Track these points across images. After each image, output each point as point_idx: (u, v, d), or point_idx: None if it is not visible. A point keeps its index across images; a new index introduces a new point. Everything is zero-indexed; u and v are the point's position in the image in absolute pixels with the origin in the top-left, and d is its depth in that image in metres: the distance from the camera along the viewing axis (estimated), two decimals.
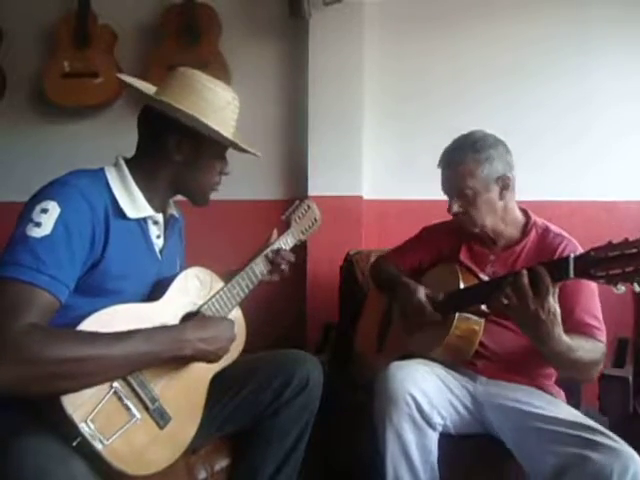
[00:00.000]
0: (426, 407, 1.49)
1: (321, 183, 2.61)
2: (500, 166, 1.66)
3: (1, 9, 2.81)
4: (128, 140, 2.99)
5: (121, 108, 2.80)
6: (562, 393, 1.71)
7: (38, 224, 1.17)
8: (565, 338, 1.41)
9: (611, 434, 1.39)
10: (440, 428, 1.53)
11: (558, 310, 1.38)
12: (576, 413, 1.55)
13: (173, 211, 1.50)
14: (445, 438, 1.55)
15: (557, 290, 1.37)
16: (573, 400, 1.77)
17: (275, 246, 1.61)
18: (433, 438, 1.52)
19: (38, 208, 1.19)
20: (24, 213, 1.21)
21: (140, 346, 1.19)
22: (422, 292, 1.70)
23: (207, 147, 1.40)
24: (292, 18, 2.58)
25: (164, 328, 1.30)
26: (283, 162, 2.72)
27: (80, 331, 1.16)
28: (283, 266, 1.60)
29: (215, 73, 2.60)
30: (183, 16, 2.67)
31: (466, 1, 2.66)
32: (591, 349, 1.51)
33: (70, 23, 2.71)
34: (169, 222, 1.47)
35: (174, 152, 1.38)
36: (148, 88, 1.46)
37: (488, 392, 1.62)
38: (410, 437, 1.48)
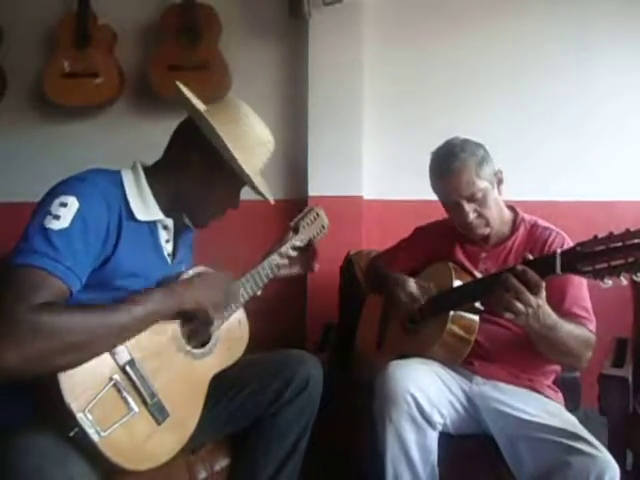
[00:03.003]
0: (426, 406, 1.49)
1: (321, 183, 2.61)
2: (492, 163, 1.69)
3: (1, 9, 2.80)
4: (128, 140, 3.01)
5: (121, 108, 2.80)
6: (560, 394, 1.72)
7: (57, 217, 1.19)
8: (554, 316, 1.45)
9: (594, 441, 1.42)
10: (440, 427, 1.54)
11: (540, 302, 1.39)
12: (567, 418, 1.56)
13: (186, 220, 1.52)
14: (445, 438, 1.56)
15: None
16: (572, 401, 1.77)
17: (289, 245, 1.62)
18: (433, 437, 1.52)
19: (57, 202, 1.21)
20: (42, 206, 1.23)
21: (144, 310, 1.23)
22: (412, 283, 1.72)
23: (225, 175, 1.42)
24: (292, 18, 2.59)
25: (160, 289, 1.32)
26: (283, 162, 2.72)
27: (83, 305, 1.20)
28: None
29: (215, 73, 2.65)
30: (183, 16, 2.67)
31: (467, 2, 2.66)
32: (578, 328, 1.55)
33: (70, 23, 2.71)
34: (181, 230, 1.49)
35: (194, 168, 1.41)
36: (199, 104, 1.48)
37: (483, 394, 1.62)
38: (410, 436, 1.48)
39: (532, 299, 1.37)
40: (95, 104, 2.76)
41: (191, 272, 1.44)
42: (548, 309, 1.42)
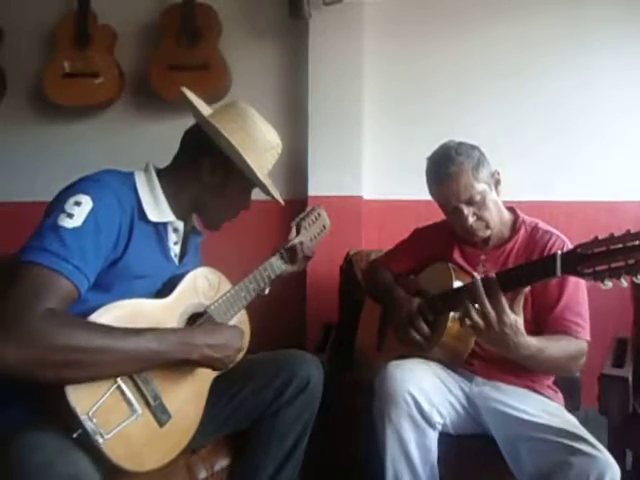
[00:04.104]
0: (425, 406, 1.49)
1: (321, 183, 2.61)
2: (488, 165, 1.69)
3: (1, 9, 2.80)
4: (128, 140, 3.00)
5: (121, 108, 2.80)
6: (559, 394, 1.72)
7: (70, 215, 1.20)
8: (531, 342, 1.46)
9: (594, 441, 1.42)
10: (440, 427, 1.54)
11: (519, 320, 1.42)
12: (567, 418, 1.56)
13: (195, 224, 1.54)
14: (445, 438, 1.56)
15: (521, 298, 1.42)
16: (572, 401, 1.77)
17: (290, 244, 1.63)
18: (433, 437, 1.52)
19: (72, 200, 1.22)
20: (57, 204, 1.24)
21: (150, 345, 1.21)
22: (415, 304, 1.68)
23: (237, 180, 1.44)
24: (292, 18, 2.58)
25: (175, 330, 1.32)
26: (283, 162, 2.71)
27: (94, 322, 1.18)
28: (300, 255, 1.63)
29: (215, 73, 2.65)
30: (183, 16, 2.67)
31: (467, 3, 2.66)
32: (563, 346, 1.56)
33: (70, 23, 2.71)
34: (190, 234, 1.51)
35: (206, 174, 1.43)
36: (203, 105, 1.49)
37: (483, 394, 1.62)
38: (410, 436, 1.48)
39: (499, 320, 1.40)
40: (95, 104, 2.75)
41: (199, 271, 1.45)
42: (520, 326, 1.43)
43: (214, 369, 1.38)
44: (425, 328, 1.63)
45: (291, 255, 1.63)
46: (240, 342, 1.41)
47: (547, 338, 1.55)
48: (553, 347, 1.53)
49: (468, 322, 1.44)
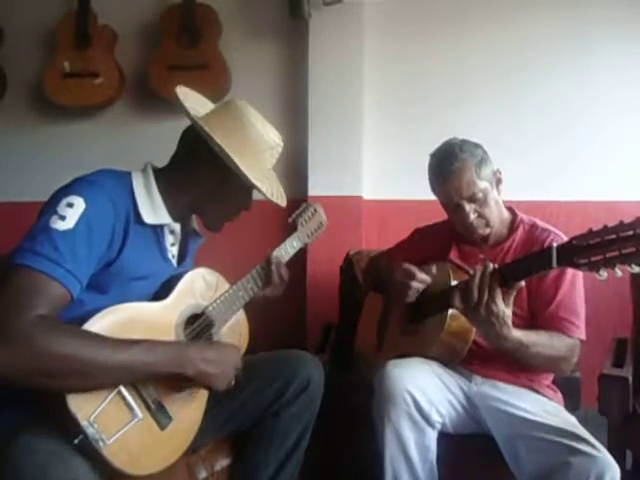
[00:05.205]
0: (425, 405, 1.49)
1: (321, 183, 2.61)
2: (491, 163, 1.69)
3: (1, 9, 2.81)
4: (128, 140, 3.01)
5: (121, 108, 2.80)
6: (559, 394, 1.72)
7: (62, 217, 1.18)
8: (517, 336, 1.47)
9: (594, 441, 1.42)
10: (439, 426, 1.54)
11: (507, 312, 1.42)
12: (567, 417, 1.57)
13: (195, 226, 1.52)
14: (444, 437, 1.56)
15: (514, 292, 1.42)
16: (572, 401, 1.77)
17: (276, 253, 1.60)
18: (432, 436, 1.52)
19: (64, 202, 1.20)
20: (49, 205, 1.22)
21: (143, 357, 1.19)
22: (407, 264, 1.69)
23: (235, 182, 1.41)
24: (292, 18, 2.58)
25: (169, 343, 1.29)
26: (283, 162, 2.70)
27: (86, 331, 1.16)
28: (275, 277, 1.56)
29: (215, 73, 2.65)
30: (183, 16, 2.67)
31: (467, 2, 2.66)
32: (552, 344, 1.57)
33: (70, 23, 2.71)
34: (189, 235, 1.49)
35: (203, 178, 1.41)
36: (203, 102, 1.47)
37: (482, 393, 1.63)
38: (409, 435, 1.49)
39: (487, 305, 1.40)
40: (95, 104, 2.76)
41: (196, 271, 1.45)
42: (507, 319, 1.43)
43: (211, 388, 1.33)
44: (424, 274, 1.64)
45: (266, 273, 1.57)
46: (237, 359, 1.38)
47: (537, 334, 1.56)
48: (542, 343, 1.54)
49: (460, 302, 1.47)
